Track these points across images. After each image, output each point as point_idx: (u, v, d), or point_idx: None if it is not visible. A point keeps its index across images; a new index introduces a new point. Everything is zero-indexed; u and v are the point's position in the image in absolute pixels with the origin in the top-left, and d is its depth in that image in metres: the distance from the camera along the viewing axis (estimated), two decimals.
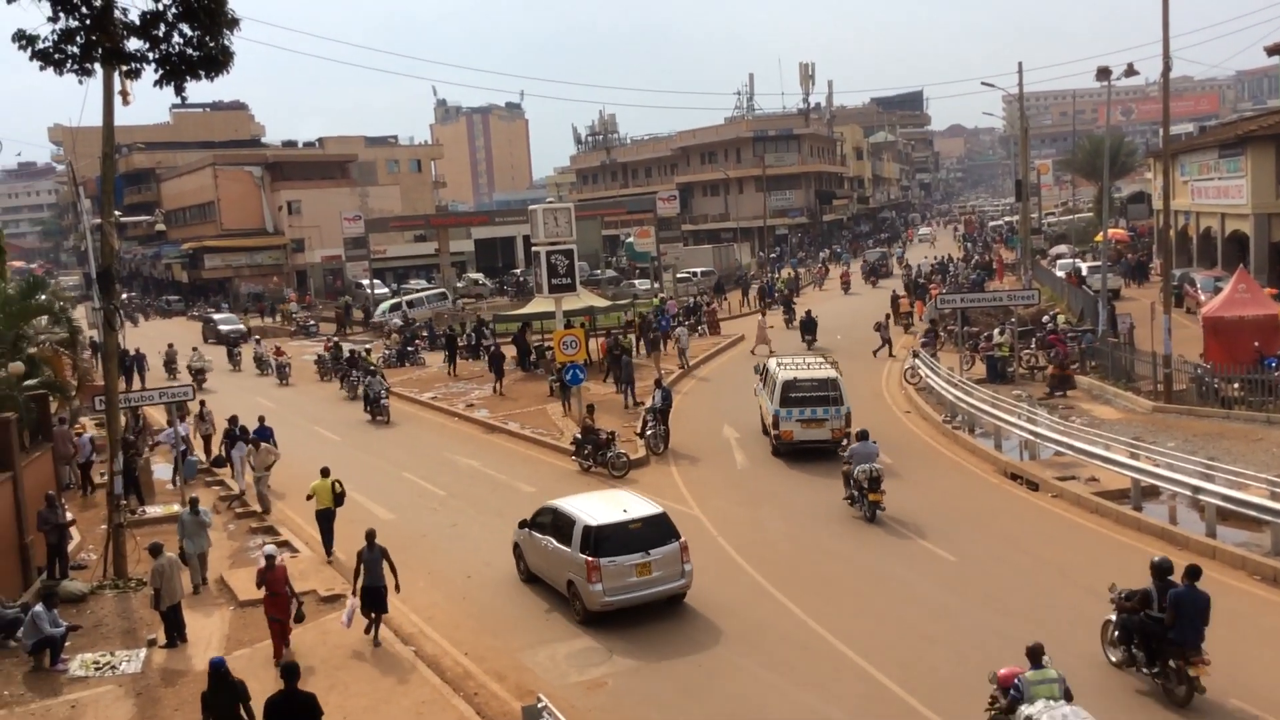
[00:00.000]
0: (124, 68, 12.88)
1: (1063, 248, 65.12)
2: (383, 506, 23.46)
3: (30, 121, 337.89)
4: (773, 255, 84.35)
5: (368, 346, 45.01)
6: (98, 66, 12.76)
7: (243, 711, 12.17)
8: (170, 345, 44.73)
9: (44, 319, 27.23)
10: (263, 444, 23.82)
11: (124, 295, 55.80)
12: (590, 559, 15.86)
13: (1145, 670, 12.92)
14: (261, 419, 26.48)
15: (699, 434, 28.33)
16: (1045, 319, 36.30)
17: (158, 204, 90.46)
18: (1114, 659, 13.44)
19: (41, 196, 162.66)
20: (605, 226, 78.86)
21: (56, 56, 11.96)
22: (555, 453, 27.27)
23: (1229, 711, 12.37)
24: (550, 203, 47.04)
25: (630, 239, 71.27)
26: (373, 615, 15.88)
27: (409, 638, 16.06)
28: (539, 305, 38.62)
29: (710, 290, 59.85)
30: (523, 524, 18.33)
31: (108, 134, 18.91)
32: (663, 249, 64.50)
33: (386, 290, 68.65)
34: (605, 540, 15.99)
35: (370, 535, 16.13)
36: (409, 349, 44.94)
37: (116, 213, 21.88)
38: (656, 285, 59.33)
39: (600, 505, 17.17)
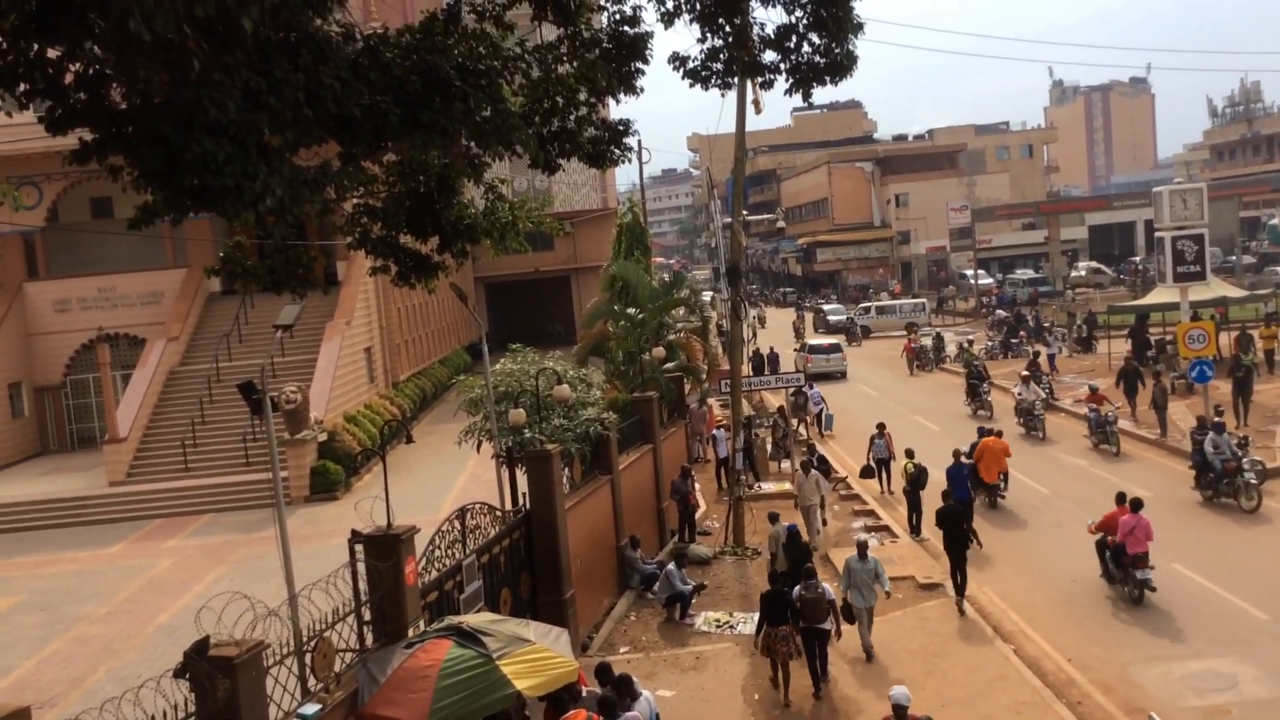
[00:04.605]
0: (759, 79, 14.19)
1: None
2: None
3: (672, 132, 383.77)
4: None
5: (970, 338, 44.65)
6: (735, 80, 14.20)
7: (810, 564, 15.16)
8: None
9: (681, 310, 30.67)
10: (813, 471, 21.40)
11: (749, 288, 61.37)
12: None
13: None
14: (810, 450, 24.79)
15: None
16: None
17: (778, 202, 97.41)
18: None
19: (679, 199, 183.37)
20: (1244, 207, 70.27)
21: (703, 74, 13.69)
22: (1175, 456, 24.95)
23: None
24: (1178, 183, 43.42)
25: (1274, 220, 62.83)
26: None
27: (1008, 635, 15.78)
28: (1161, 295, 35.65)
29: None
30: None
31: (740, 140, 20.88)
32: None
33: (990, 281, 67.45)
34: None
35: None
36: (1013, 340, 43.75)
37: (744, 212, 24.00)
38: None
39: None
